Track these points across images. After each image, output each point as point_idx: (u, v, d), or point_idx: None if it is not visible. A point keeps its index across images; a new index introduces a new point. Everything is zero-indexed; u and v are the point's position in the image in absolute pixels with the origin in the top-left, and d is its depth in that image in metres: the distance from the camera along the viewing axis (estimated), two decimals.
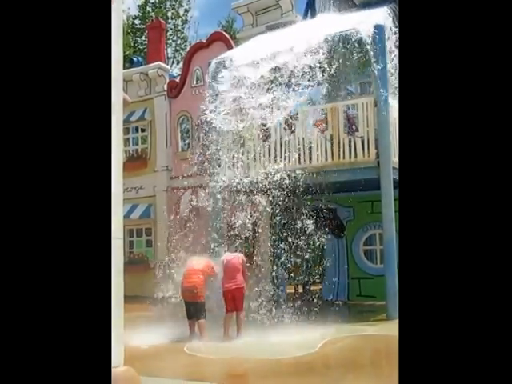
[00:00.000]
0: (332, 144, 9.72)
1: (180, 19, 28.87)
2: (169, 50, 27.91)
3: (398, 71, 11.22)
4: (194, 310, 8.05)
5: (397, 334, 8.29)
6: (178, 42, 29.06)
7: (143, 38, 26.87)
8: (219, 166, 10.92)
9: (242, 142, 10.72)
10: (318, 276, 15.01)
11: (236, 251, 14.02)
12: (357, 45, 9.46)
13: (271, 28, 13.14)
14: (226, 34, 15.59)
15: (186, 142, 16.94)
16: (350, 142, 9.59)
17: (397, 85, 11.14)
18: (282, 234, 13.19)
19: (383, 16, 10.62)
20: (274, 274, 12.68)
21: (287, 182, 10.17)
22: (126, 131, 15.99)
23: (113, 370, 3.21)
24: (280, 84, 11.82)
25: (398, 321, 9.17)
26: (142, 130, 16.30)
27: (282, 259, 13.06)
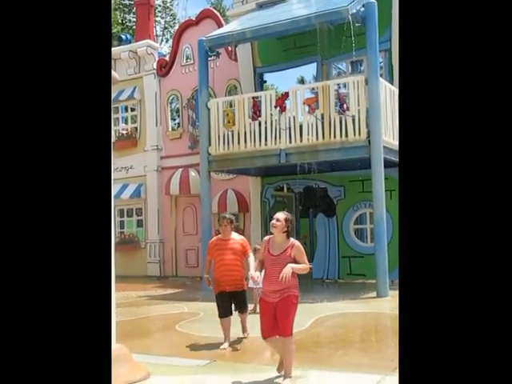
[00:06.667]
0: (323, 123, 9.68)
1: None
2: (157, 27, 27.53)
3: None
4: (238, 301, 6.11)
5: (386, 311, 8.29)
6: (167, 20, 28.70)
7: (132, 15, 26.45)
8: (210, 144, 10.86)
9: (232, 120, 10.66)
10: (308, 254, 15.11)
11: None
12: (348, 22, 9.35)
13: (261, 5, 12.98)
14: (215, 12, 15.39)
15: (176, 121, 16.83)
16: (341, 120, 9.56)
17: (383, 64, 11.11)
18: (272, 212, 13.23)
19: None
20: None
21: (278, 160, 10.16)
22: (116, 110, 15.83)
23: None
24: None
25: (388, 298, 9.16)
26: (132, 109, 16.14)
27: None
